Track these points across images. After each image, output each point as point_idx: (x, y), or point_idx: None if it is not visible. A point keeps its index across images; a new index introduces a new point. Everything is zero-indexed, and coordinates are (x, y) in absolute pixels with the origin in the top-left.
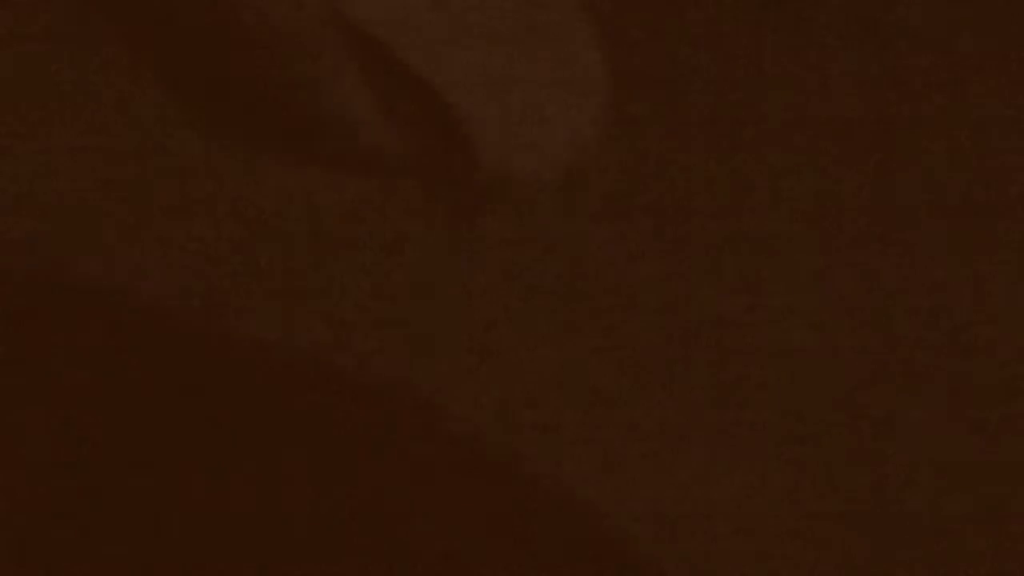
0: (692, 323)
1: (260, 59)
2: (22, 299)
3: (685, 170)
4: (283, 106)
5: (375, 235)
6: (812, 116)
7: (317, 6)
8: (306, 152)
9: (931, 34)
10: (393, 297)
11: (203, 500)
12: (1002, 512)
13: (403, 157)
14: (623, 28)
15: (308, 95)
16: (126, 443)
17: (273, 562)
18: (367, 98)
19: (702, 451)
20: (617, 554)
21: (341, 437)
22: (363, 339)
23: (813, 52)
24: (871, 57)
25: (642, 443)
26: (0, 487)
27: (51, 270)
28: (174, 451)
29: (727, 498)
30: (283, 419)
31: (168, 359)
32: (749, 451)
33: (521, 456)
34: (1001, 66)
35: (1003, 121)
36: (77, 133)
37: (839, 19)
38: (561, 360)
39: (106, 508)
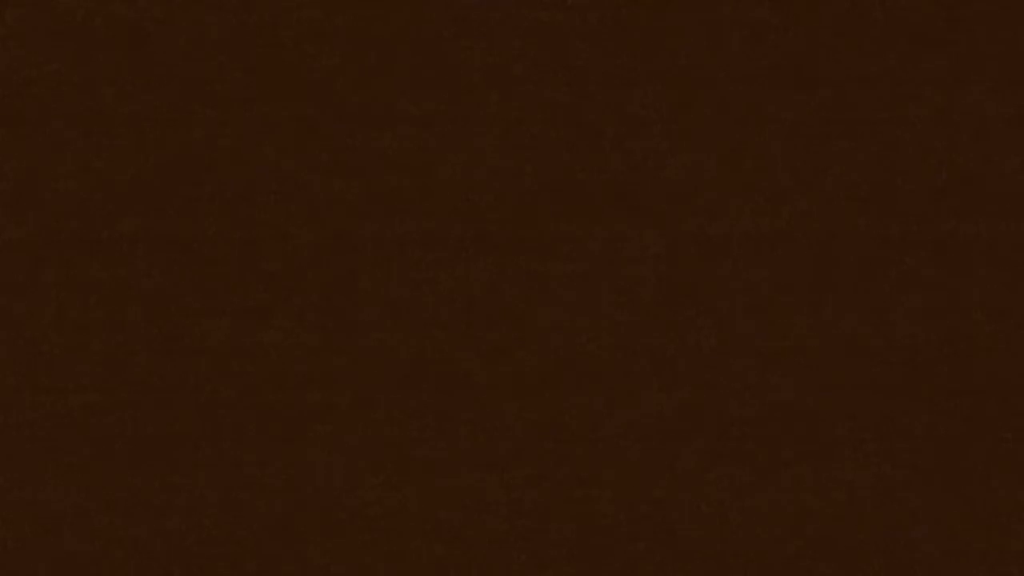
0: (692, 322)
1: None
2: (21, 298)
3: (685, 170)
4: None
5: (375, 235)
6: (812, 116)
7: None
8: None
9: (931, 34)
10: (393, 297)
11: (202, 498)
12: (1002, 512)
13: None
14: (623, 28)
15: None
16: (126, 440)
17: (274, 560)
18: None
19: (702, 451)
20: (617, 552)
21: (341, 436)
22: (362, 339)
23: (813, 52)
24: (871, 58)
25: (642, 442)
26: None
27: (51, 268)
28: (173, 450)
29: (727, 497)
30: (282, 419)
31: (168, 358)
32: (748, 451)
33: (521, 455)
34: (1001, 66)
35: (1003, 121)
36: (77, 132)
37: (839, 19)
38: (561, 359)
39: (105, 505)
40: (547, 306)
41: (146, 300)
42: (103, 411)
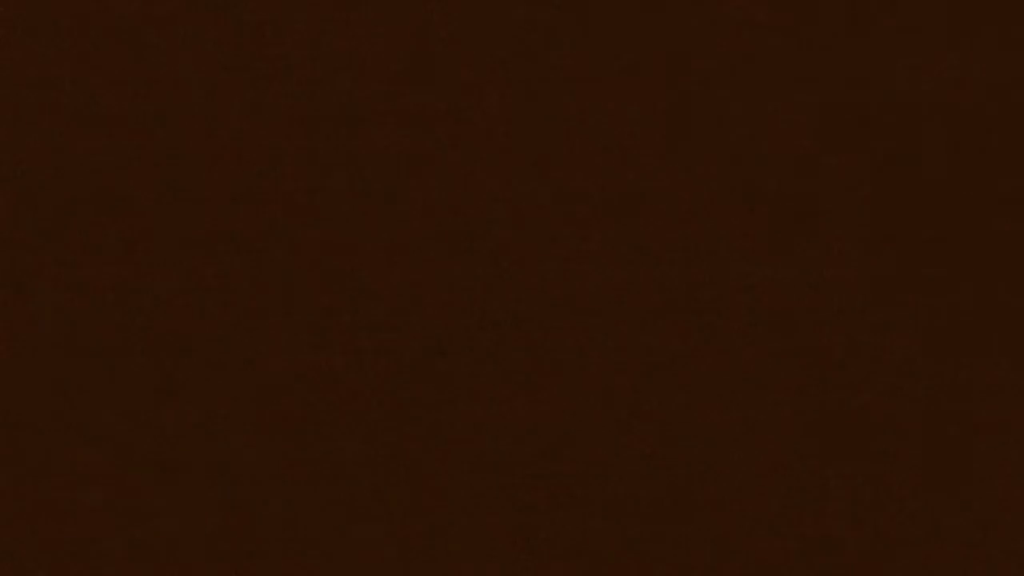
0: (692, 322)
1: None
2: (23, 299)
3: (684, 170)
4: None
5: (375, 241)
6: (812, 116)
7: None
8: None
9: (930, 34)
10: (393, 297)
11: (202, 499)
12: (1002, 511)
13: None
14: (622, 27)
15: None
16: (126, 441)
17: (274, 560)
18: None
19: (704, 451)
20: (618, 552)
21: (341, 436)
22: (362, 339)
23: (813, 52)
24: (871, 57)
25: (644, 442)
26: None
27: (52, 268)
28: (173, 450)
29: (728, 497)
30: (282, 419)
31: (168, 358)
32: (749, 451)
33: (522, 454)
34: (1001, 66)
35: (1003, 121)
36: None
37: (839, 19)
38: (561, 359)
39: (105, 505)
40: (547, 306)
41: (146, 300)
42: (103, 411)
